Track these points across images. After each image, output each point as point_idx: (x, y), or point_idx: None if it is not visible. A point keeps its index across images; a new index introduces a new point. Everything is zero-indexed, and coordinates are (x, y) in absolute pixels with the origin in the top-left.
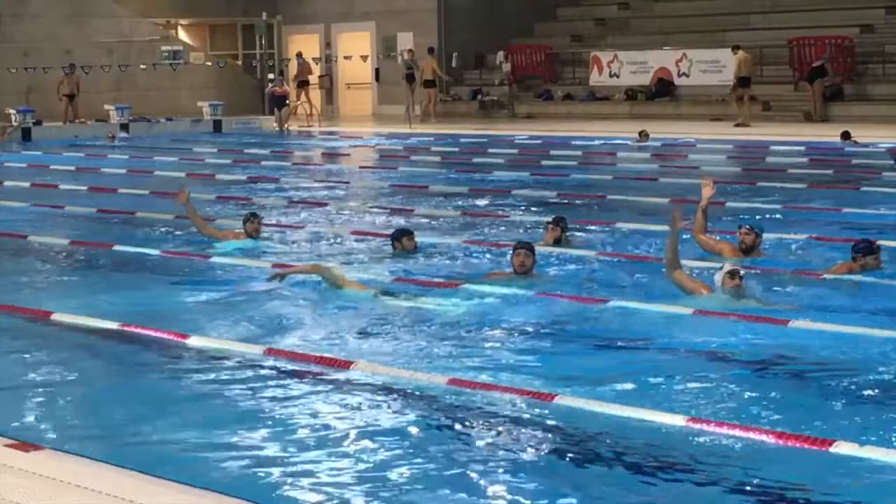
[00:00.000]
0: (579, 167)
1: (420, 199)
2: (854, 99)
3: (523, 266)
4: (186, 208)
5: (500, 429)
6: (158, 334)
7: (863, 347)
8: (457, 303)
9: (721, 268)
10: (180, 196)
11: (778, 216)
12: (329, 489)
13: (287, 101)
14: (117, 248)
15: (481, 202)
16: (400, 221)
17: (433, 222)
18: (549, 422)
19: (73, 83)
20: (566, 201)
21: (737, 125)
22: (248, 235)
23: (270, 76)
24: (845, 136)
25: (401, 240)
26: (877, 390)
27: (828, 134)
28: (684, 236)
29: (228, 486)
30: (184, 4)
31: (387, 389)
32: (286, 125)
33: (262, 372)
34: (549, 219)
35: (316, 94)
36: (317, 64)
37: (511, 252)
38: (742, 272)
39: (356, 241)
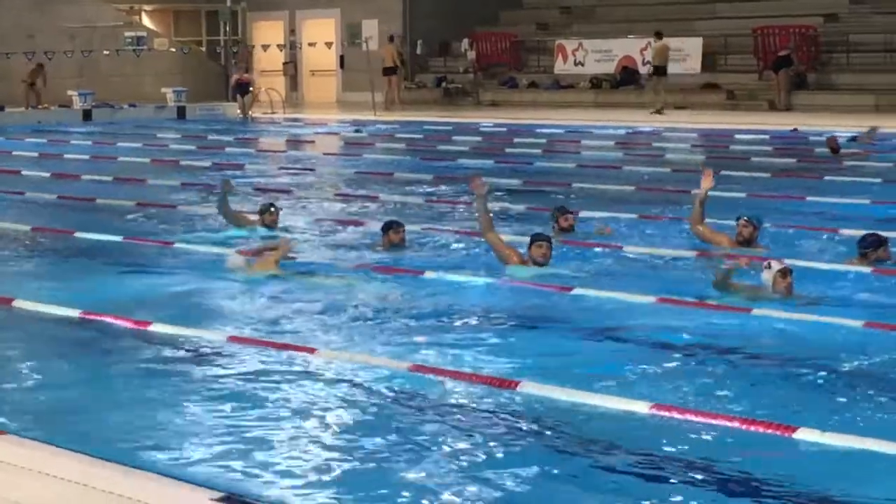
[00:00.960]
0: (544, 155)
1: (385, 187)
2: (818, 88)
3: (545, 258)
4: (222, 198)
5: (464, 415)
6: (121, 321)
7: (826, 335)
8: (420, 289)
9: (767, 266)
10: (225, 186)
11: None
12: (288, 477)
13: (251, 88)
14: (79, 234)
15: (446, 189)
16: (365, 208)
17: (398, 209)
18: (513, 408)
19: (37, 72)
20: (532, 189)
21: (653, 112)
22: (264, 226)
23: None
24: (794, 130)
25: (387, 233)
26: (839, 377)
27: (792, 123)
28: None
29: (189, 473)
30: None
31: (348, 376)
32: (249, 112)
33: (225, 359)
34: (556, 208)
35: (280, 82)
36: (281, 51)
37: (531, 243)
38: (791, 269)
39: (320, 227)
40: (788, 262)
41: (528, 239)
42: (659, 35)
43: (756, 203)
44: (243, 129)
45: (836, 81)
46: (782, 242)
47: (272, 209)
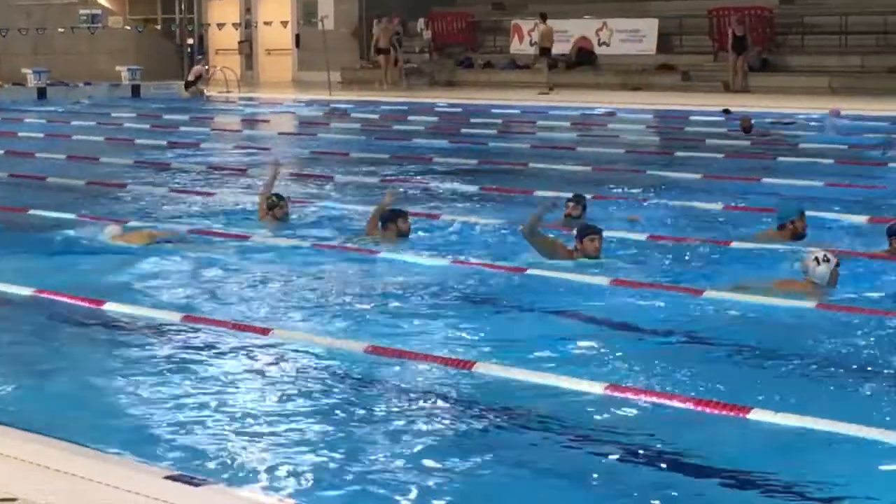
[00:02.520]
0: (499, 135)
1: (340, 166)
2: (773, 70)
3: (597, 251)
4: (267, 183)
5: (419, 396)
6: (74, 300)
7: (777, 317)
8: (375, 270)
9: (809, 255)
10: (273, 168)
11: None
12: (239, 456)
13: (206, 67)
14: (33, 212)
15: (402, 169)
16: (320, 188)
17: (355, 190)
18: (468, 389)
19: None
20: (487, 169)
21: (541, 93)
22: (275, 220)
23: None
24: (725, 111)
25: (395, 222)
26: (791, 358)
27: (748, 104)
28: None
29: (141, 452)
30: None
31: (303, 356)
32: (202, 89)
33: (179, 338)
34: (570, 195)
35: (236, 60)
36: (237, 29)
37: (582, 237)
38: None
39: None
40: (748, 245)
41: (485, 221)
42: (544, 18)
43: (713, 184)
44: (198, 108)
45: (792, 63)
46: (742, 224)
47: (281, 202)
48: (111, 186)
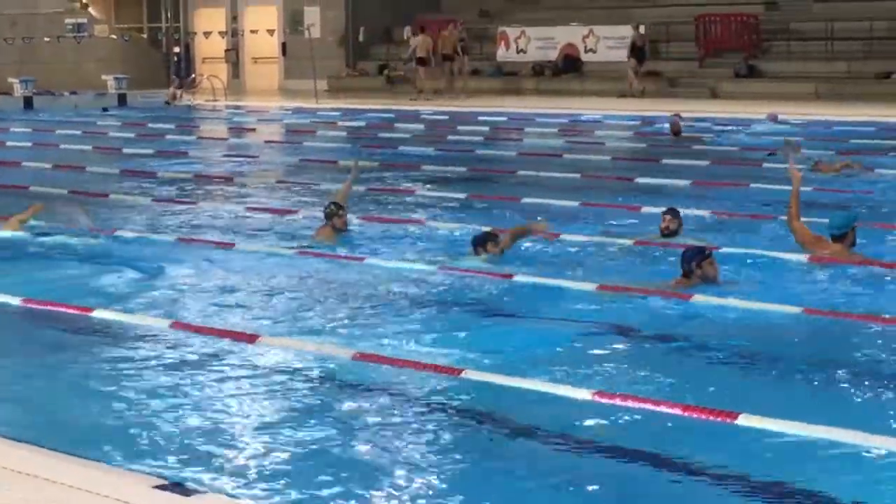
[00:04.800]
0: (486, 142)
1: (327, 174)
2: (759, 76)
3: (710, 277)
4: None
5: (406, 403)
6: (62, 309)
7: (766, 322)
8: (362, 276)
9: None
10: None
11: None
12: (228, 463)
13: (193, 75)
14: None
15: (388, 177)
16: (308, 197)
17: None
18: (456, 396)
19: None
20: (474, 176)
21: (419, 93)
22: (334, 230)
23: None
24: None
25: (485, 245)
26: (780, 364)
27: (735, 111)
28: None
29: (129, 461)
30: None
31: (291, 363)
32: (180, 94)
33: (168, 345)
34: (665, 209)
35: (222, 69)
36: (223, 38)
37: (698, 261)
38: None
39: (262, 216)
40: (728, 249)
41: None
42: (422, 29)
43: (699, 190)
44: (186, 116)
45: (777, 70)
46: (725, 230)
47: (340, 211)
48: (95, 196)
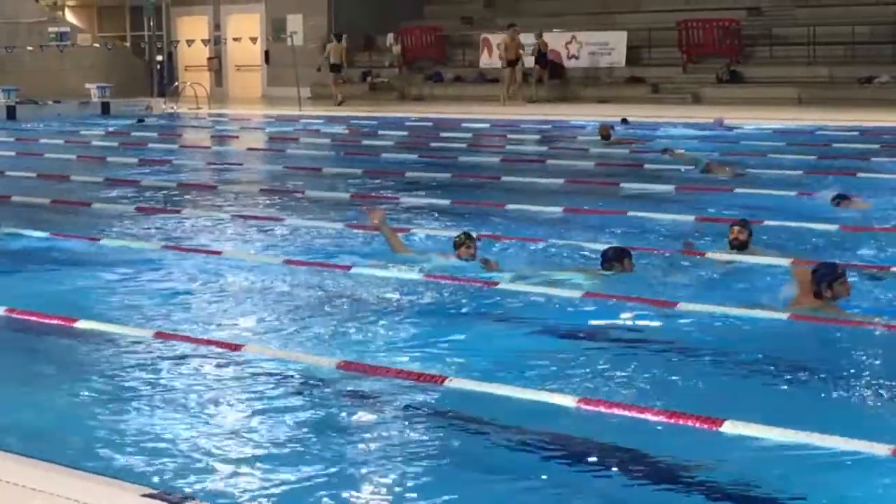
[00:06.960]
0: (470, 149)
1: (311, 182)
2: (741, 81)
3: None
4: (382, 228)
5: (390, 412)
6: (46, 319)
7: (748, 327)
8: (347, 285)
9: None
10: (374, 216)
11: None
12: (216, 472)
13: (176, 83)
14: (4, 230)
15: (372, 184)
16: (290, 204)
17: (324, 206)
18: (440, 404)
19: None
20: (457, 183)
21: (338, 104)
22: (460, 259)
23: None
24: (624, 121)
25: (622, 261)
26: (764, 370)
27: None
28: None
29: (118, 470)
30: None
31: (276, 372)
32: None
33: (152, 355)
34: (736, 220)
35: (205, 77)
36: (206, 46)
37: (829, 281)
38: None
39: (246, 224)
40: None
41: (453, 233)
42: (339, 37)
43: (685, 196)
44: (169, 124)
45: (760, 75)
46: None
47: (469, 241)
48: (78, 205)
